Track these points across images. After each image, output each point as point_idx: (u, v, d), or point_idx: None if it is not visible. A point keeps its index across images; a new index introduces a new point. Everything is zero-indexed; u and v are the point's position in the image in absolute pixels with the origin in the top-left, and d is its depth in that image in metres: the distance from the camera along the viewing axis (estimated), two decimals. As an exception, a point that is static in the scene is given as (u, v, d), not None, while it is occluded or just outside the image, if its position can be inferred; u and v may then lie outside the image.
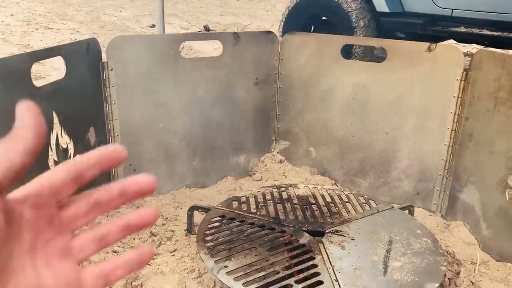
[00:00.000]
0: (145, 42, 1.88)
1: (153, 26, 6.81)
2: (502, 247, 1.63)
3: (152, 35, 2.15)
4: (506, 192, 1.61)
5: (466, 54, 1.82)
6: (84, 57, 1.65)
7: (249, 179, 2.26)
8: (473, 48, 5.64)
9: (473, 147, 1.77)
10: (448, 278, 1.52)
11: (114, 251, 1.49)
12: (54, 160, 1.47)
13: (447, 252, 1.65)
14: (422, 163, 1.97)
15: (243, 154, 2.26)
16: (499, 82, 1.64)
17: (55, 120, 1.47)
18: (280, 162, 2.32)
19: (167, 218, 1.82)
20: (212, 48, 4.84)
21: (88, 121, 1.70)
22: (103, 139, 1.81)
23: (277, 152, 2.34)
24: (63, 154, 1.52)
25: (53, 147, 1.44)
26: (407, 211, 1.78)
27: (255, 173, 2.26)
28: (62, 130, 1.51)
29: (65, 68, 1.53)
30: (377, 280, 1.31)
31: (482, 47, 4.29)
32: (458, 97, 1.82)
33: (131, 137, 1.91)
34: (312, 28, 4.34)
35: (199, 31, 6.66)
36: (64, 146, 1.53)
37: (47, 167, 1.42)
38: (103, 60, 1.76)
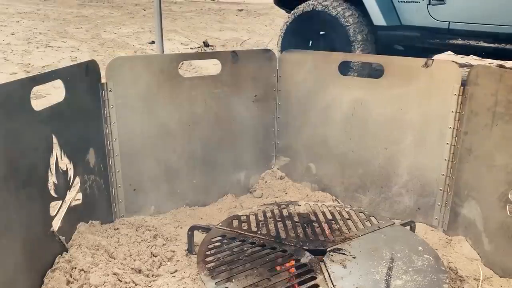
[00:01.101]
0: (144, 62, 1.90)
1: (153, 42, 6.86)
2: (505, 263, 1.62)
3: (150, 55, 2.17)
4: (507, 207, 1.61)
5: (464, 65, 1.83)
6: (84, 79, 1.66)
7: (249, 196, 2.26)
8: (471, 59, 5.67)
9: (473, 161, 1.77)
10: (451, 295, 1.51)
11: (115, 273, 1.48)
12: (54, 182, 1.47)
13: (449, 268, 1.64)
14: (423, 178, 1.97)
15: (243, 171, 2.26)
16: (496, 97, 1.65)
17: (55, 143, 1.47)
18: (281, 178, 2.32)
19: (167, 238, 1.81)
20: (211, 64, 4.87)
21: (88, 143, 1.71)
22: (102, 160, 1.81)
23: (277, 169, 2.34)
24: (63, 177, 1.52)
25: (53, 170, 1.44)
26: (408, 227, 1.78)
27: (255, 190, 2.26)
28: (62, 153, 1.51)
29: (65, 90, 1.54)
30: (380, 300, 1.30)
31: (479, 58, 4.32)
32: (456, 112, 1.83)
33: (131, 157, 1.91)
34: (310, 43, 4.37)
35: (199, 47, 6.71)
36: (64, 169, 1.53)
37: (46, 190, 1.42)
38: (102, 81, 1.77)
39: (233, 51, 2.07)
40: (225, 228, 1.70)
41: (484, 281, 1.59)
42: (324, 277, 1.39)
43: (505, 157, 1.62)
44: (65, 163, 1.55)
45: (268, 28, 9.11)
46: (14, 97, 1.24)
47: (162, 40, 3.55)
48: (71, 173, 1.58)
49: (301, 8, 4.34)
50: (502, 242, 1.63)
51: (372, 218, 1.79)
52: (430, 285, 1.37)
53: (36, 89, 3.58)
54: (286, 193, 2.23)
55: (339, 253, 1.53)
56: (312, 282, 1.36)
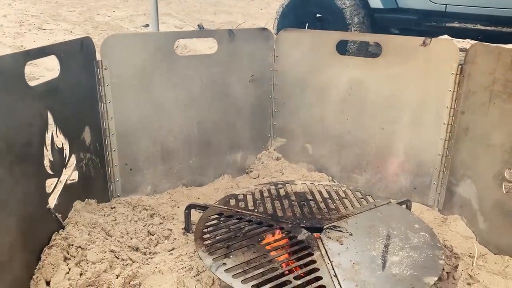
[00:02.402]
0: (139, 40, 1.87)
1: (147, 25, 6.79)
2: (499, 240, 1.63)
3: (146, 33, 2.15)
4: (503, 185, 1.61)
5: (460, 50, 1.83)
6: (78, 56, 1.63)
7: (246, 176, 2.26)
8: (468, 43, 5.65)
9: (469, 141, 1.78)
10: (446, 272, 1.52)
11: (112, 251, 1.47)
12: (49, 159, 1.45)
13: (445, 246, 1.65)
14: (419, 158, 1.97)
15: (240, 151, 2.26)
16: (494, 76, 1.65)
17: (50, 119, 1.46)
18: (277, 159, 2.31)
19: (164, 217, 1.81)
20: (206, 47, 4.84)
21: (83, 121, 1.69)
22: (98, 139, 1.79)
23: (274, 149, 2.34)
24: (58, 154, 1.51)
25: (48, 147, 1.43)
26: (404, 206, 1.79)
27: (252, 171, 2.26)
28: (57, 130, 1.50)
29: (59, 67, 1.51)
30: (376, 275, 1.31)
31: (476, 42, 4.30)
32: (453, 91, 1.82)
33: (127, 136, 1.90)
34: (307, 26, 4.34)
35: (193, 30, 6.64)
36: (60, 146, 1.52)
37: (42, 167, 1.41)
38: (97, 59, 1.75)
39: (230, 29, 2.05)
40: (222, 207, 1.70)
41: (478, 258, 1.61)
42: (321, 253, 1.40)
43: (501, 136, 1.62)
44: (61, 140, 1.53)
45: (263, 11, 9.03)
46: (8, 71, 1.22)
47: (158, 23, 3.50)
48: (66, 150, 1.57)
49: (297, -10, 4.30)
50: (496, 220, 1.65)
51: (368, 196, 1.80)
52: (426, 261, 1.38)
53: (30, 71, 3.54)
54: (282, 174, 2.24)
55: (336, 230, 1.53)
56: (309, 258, 1.37)
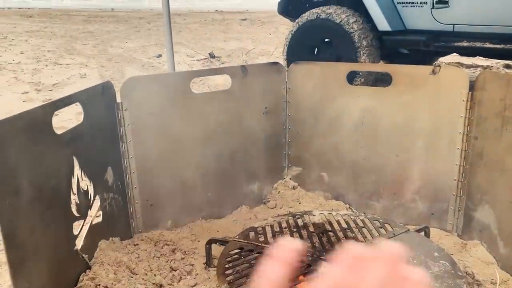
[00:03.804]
0: (157, 81, 1.95)
1: (160, 56, 6.95)
2: (521, 266, 1.63)
3: (163, 74, 2.22)
4: (521, 210, 1.62)
5: (470, 66, 1.86)
6: (100, 100, 1.71)
7: (263, 207, 2.29)
8: (478, 59, 5.67)
9: (484, 166, 1.79)
10: (469, 300, 1.52)
11: (137, 289, 1.51)
12: (76, 202, 1.51)
13: (466, 273, 1.65)
14: (435, 184, 1.99)
15: (257, 182, 2.30)
16: (505, 102, 1.67)
17: (75, 164, 1.52)
18: (294, 188, 2.34)
19: (185, 251, 1.85)
20: (221, 77, 4.93)
21: (106, 161, 1.75)
22: (120, 178, 1.85)
23: (290, 179, 2.37)
24: (84, 196, 1.57)
25: (75, 190, 1.49)
26: (423, 233, 1.80)
27: (269, 201, 2.29)
28: (82, 173, 1.56)
29: (83, 113, 1.59)
30: (399, 307, 1.32)
31: (485, 58, 4.33)
32: (465, 117, 1.85)
33: (147, 173, 1.96)
34: (316, 51, 4.41)
35: (205, 58, 6.78)
36: (85, 189, 1.58)
37: (69, 211, 1.47)
38: (117, 101, 1.82)
39: (243, 66, 2.12)
40: (242, 241, 1.73)
41: (501, 285, 1.60)
42: (343, 286, 1.41)
43: (516, 161, 1.64)
44: (86, 183, 1.60)
45: (272, 36, 9.18)
46: (37, 122, 1.29)
47: (172, 55, 3.60)
48: (91, 192, 1.62)
49: (305, 17, 4.39)
50: (517, 245, 1.65)
51: (386, 225, 1.81)
52: (448, 291, 1.39)
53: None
54: (299, 203, 2.26)
55: (356, 261, 1.55)
56: (331, 292, 1.39)
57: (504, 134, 1.69)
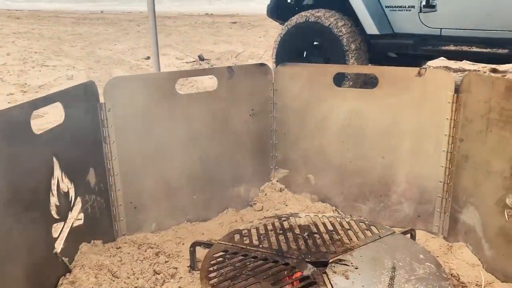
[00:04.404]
0: (141, 81, 1.92)
1: (148, 58, 6.91)
2: (505, 267, 1.63)
3: (147, 74, 2.19)
4: (505, 212, 1.62)
5: (457, 70, 1.86)
6: (82, 101, 1.68)
7: (250, 209, 2.27)
8: (465, 63, 5.72)
9: (470, 168, 1.79)
10: (454, 302, 1.52)
11: (119, 293, 1.48)
12: (56, 204, 1.48)
13: (451, 275, 1.65)
14: (421, 186, 1.98)
15: (243, 184, 2.28)
16: (489, 104, 1.68)
17: (55, 165, 1.49)
18: (280, 190, 2.33)
19: (169, 255, 1.82)
20: (207, 78, 4.91)
21: (88, 163, 1.72)
22: (103, 179, 1.82)
23: (277, 181, 2.35)
24: (64, 198, 1.53)
25: (54, 192, 1.46)
26: (409, 235, 1.79)
27: (255, 203, 2.27)
28: (63, 174, 1.53)
29: (64, 113, 1.55)
30: (383, 310, 1.31)
31: (472, 62, 4.37)
32: (451, 119, 1.85)
33: (131, 175, 1.93)
34: (305, 54, 4.41)
35: (194, 61, 6.76)
36: (65, 190, 1.54)
37: (49, 213, 1.43)
38: (100, 101, 1.79)
39: (229, 67, 2.10)
40: (227, 243, 1.71)
41: (486, 287, 1.60)
42: (327, 289, 1.40)
43: (501, 163, 1.64)
44: (66, 184, 1.56)
45: (262, 39, 9.19)
46: (15, 122, 1.26)
47: (158, 57, 3.57)
48: (72, 194, 1.59)
49: (294, 20, 4.39)
50: (502, 247, 1.65)
51: (372, 227, 1.80)
52: (433, 293, 1.38)
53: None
54: (286, 205, 2.25)
55: (341, 264, 1.54)
56: (316, 295, 1.37)
57: (489, 136, 1.69)
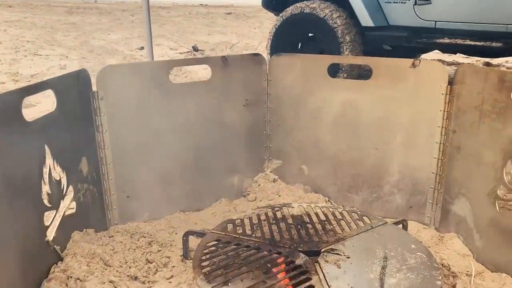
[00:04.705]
0: (134, 69, 1.91)
1: (142, 48, 6.86)
2: (496, 258, 1.64)
3: (140, 63, 2.18)
4: (496, 203, 1.64)
5: (451, 63, 1.87)
6: (75, 88, 1.66)
7: (243, 199, 2.27)
8: (458, 56, 5.74)
9: (462, 159, 1.80)
10: (445, 292, 1.53)
11: (111, 281, 1.48)
12: (47, 192, 1.47)
13: (442, 265, 1.67)
14: (413, 177, 1.99)
15: (237, 175, 2.28)
16: (482, 95, 1.68)
17: (47, 152, 1.47)
18: (274, 181, 2.33)
19: (162, 244, 1.81)
20: (201, 68, 4.89)
21: (80, 151, 1.71)
22: (95, 168, 1.81)
23: (270, 171, 2.36)
24: (56, 186, 1.52)
25: (46, 180, 1.44)
26: (400, 226, 1.80)
27: (249, 194, 2.27)
28: (55, 162, 1.52)
29: (56, 100, 1.54)
30: (374, 299, 1.32)
31: (466, 56, 4.38)
32: (444, 110, 1.86)
33: (124, 164, 1.92)
34: (300, 45, 4.40)
35: (188, 52, 6.72)
36: (57, 178, 1.53)
37: (40, 201, 1.43)
38: (93, 90, 1.78)
39: (223, 56, 2.09)
40: (220, 233, 1.71)
41: (476, 277, 1.62)
42: (319, 277, 1.41)
43: (492, 154, 1.65)
44: (58, 173, 1.55)
45: (257, 30, 9.14)
46: (6, 109, 1.25)
47: (152, 47, 3.55)
48: (64, 182, 1.58)
49: (289, 11, 4.37)
50: (492, 238, 1.66)
51: (364, 217, 1.81)
52: (424, 282, 1.39)
53: (26, 98, 3.57)
54: (279, 196, 2.25)
55: (333, 253, 1.55)
56: (308, 283, 1.38)
57: (481, 128, 1.70)
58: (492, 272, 1.64)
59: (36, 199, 1.40)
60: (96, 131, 1.80)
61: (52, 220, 1.50)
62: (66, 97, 1.59)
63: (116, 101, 1.84)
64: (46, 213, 1.46)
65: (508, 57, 5.24)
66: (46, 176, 1.44)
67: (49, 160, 1.48)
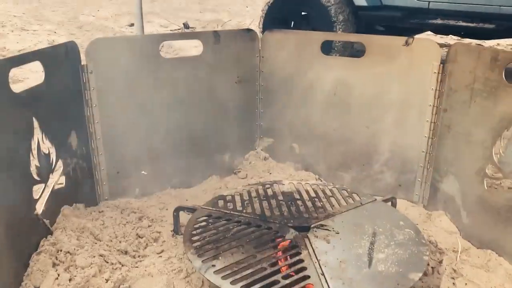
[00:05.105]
0: (124, 43, 1.87)
1: (132, 25, 6.73)
2: (481, 235, 1.67)
3: (131, 36, 2.14)
4: (484, 181, 1.66)
5: (443, 45, 1.86)
6: (63, 61, 1.63)
7: (234, 177, 2.27)
8: (451, 39, 5.73)
9: (452, 138, 1.81)
10: (431, 267, 1.56)
11: (101, 255, 1.48)
12: (36, 165, 1.45)
13: (429, 241, 1.69)
14: (403, 155, 2.01)
15: (228, 152, 2.27)
16: (474, 74, 1.69)
17: (36, 125, 1.45)
18: (265, 159, 2.33)
19: (153, 219, 1.82)
20: (192, 46, 4.82)
21: (70, 125, 1.69)
22: (85, 143, 1.79)
23: (261, 149, 2.35)
24: (45, 160, 1.51)
25: (35, 153, 1.43)
26: (389, 203, 1.82)
27: (240, 171, 2.28)
28: (43, 135, 1.49)
29: (44, 72, 1.51)
30: (362, 273, 1.34)
31: (458, 38, 4.37)
32: (436, 89, 1.86)
33: (114, 140, 1.90)
34: (292, 24, 4.35)
35: (179, 29, 6.62)
36: (46, 152, 1.52)
37: (29, 174, 1.41)
38: (82, 63, 1.74)
39: (215, 31, 2.06)
40: (211, 208, 1.71)
41: (462, 253, 1.65)
42: (309, 252, 1.42)
43: (482, 133, 1.66)
44: (47, 146, 1.53)
45: (249, 9, 9.02)
46: (-8, 79, 1.22)
47: (142, 23, 3.48)
48: (53, 156, 1.56)
49: (282, -12, 4.31)
50: (479, 215, 1.69)
51: (354, 195, 1.83)
52: (411, 258, 1.42)
53: (14, 73, 3.50)
54: (270, 174, 2.25)
55: (323, 229, 1.56)
56: (297, 257, 1.39)
57: (472, 106, 1.70)
58: (477, 248, 1.67)
59: (25, 172, 1.39)
60: (85, 105, 1.78)
61: (41, 194, 1.49)
62: (54, 69, 1.56)
63: (106, 75, 1.81)
64: (35, 187, 1.44)
65: (500, 39, 5.26)
66: (34, 149, 1.42)
67: (37, 133, 1.46)
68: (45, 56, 1.50)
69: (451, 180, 1.83)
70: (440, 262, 1.59)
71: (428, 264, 1.53)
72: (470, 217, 1.74)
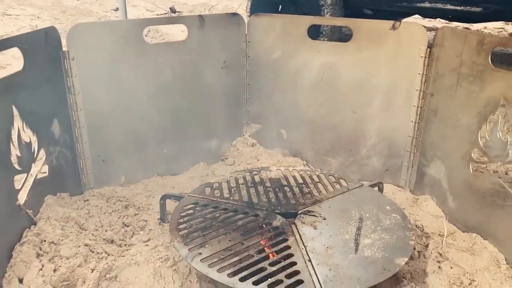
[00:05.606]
0: (107, 28, 1.82)
1: (117, 9, 6.60)
2: (467, 219, 1.69)
3: (114, 21, 2.09)
4: (470, 165, 1.66)
5: (431, 29, 1.85)
6: (43, 47, 1.58)
7: (221, 164, 2.25)
8: (438, 22, 5.72)
9: (438, 122, 1.82)
10: (417, 251, 1.57)
11: (86, 245, 1.46)
12: (17, 155, 1.42)
13: (416, 226, 1.70)
14: (390, 140, 2.01)
15: (215, 139, 2.25)
16: (461, 58, 1.68)
17: (15, 114, 1.42)
18: (252, 145, 2.32)
19: (139, 208, 1.80)
20: (179, 31, 4.75)
21: (51, 113, 1.65)
22: (68, 131, 1.76)
23: (249, 136, 2.34)
24: (26, 149, 1.47)
25: (15, 142, 1.39)
26: (376, 188, 1.82)
27: (227, 158, 2.26)
28: (24, 124, 1.46)
29: (23, 59, 1.47)
30: (349, 258, 1.34)
31: (446, 22, 4.37)
32: (422, 74, 1.85)
33: (98, 127, 1.87)
34: (280, 8, 4.30)
35: (165, 13, 6.51)
36: (27, 141, 1.48)
37: (9, 163, 1.38)
38: (64, 49, 1.70)
39: (200, 15, 2.02)
40: (198, 196, 1.70)
41: (448, 237, 1.66)
42: (296, 238, 1.42)
43: (468, 117, 1.67)
44: (28, 135, 1.50)
45: (237, -7, 8.88)
46: (-33, 66, 1.18)
47: (125, 8, 3.41)
48: (35, 145, 1.53)
49: (269, -29, 4.24)
50: (465, 199, 1.70)
51: (341, 180, 1.83)
52: (398, 242, 1.42)
53: (-5, 60, 3.41)
54: (258, 160, 2.24)
55: (310, 215, 1.56)
56: (284, 244, 1.39)
57: (458, 91, 1.70)
58: (463, 232, 1.68)
59: (5, 161, 1.36)
60: (68, 93, 1.74)
61: (23, 184, 1.46)
62: (34, 56, 1.51)
63: (88, 61, 1.77)
64: (16, 177, 1.42)
65: (487, 23, 5.26)
66: (14, 138, 1.39)
67: (17, 122, 1.43)
68: (23, 42, 1.46)
69: (438, 164, 1.84)
70: (426, 246, 1.60)
71: (414, 249, 1.55)
72: (456, 201, 1.75)
